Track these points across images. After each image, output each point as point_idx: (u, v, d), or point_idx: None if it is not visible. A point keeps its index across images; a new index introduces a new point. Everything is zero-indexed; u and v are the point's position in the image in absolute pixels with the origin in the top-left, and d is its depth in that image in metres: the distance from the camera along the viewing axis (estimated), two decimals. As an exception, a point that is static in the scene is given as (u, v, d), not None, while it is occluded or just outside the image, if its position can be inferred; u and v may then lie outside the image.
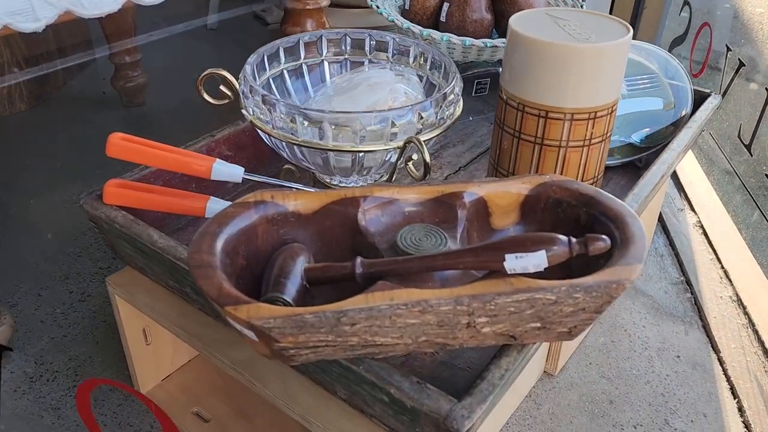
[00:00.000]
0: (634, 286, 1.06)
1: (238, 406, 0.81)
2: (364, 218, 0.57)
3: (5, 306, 0.96)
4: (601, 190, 0.59)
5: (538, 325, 0.50)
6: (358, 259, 0.52)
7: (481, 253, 0.49)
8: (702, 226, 1.18)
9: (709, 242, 1.15)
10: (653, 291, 1.05)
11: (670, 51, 1.41)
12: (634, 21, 1.54)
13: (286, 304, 0.50)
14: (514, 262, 0.49)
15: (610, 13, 1.61)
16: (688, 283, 1.07)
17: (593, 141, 0.73)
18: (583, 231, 0.58)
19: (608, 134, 0.75)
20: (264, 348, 0.49)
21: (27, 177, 1.29)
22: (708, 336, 0.98)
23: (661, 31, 1.51)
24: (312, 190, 0.67)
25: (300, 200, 0.58)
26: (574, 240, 0.49)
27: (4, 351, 0.57)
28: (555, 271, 0.54)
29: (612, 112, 0.73)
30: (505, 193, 0.61)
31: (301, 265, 0.54)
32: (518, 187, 0.61)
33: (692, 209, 1.23)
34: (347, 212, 0.58)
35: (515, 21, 0.72)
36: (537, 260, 0.48)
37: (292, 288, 0.52)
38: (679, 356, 0.94)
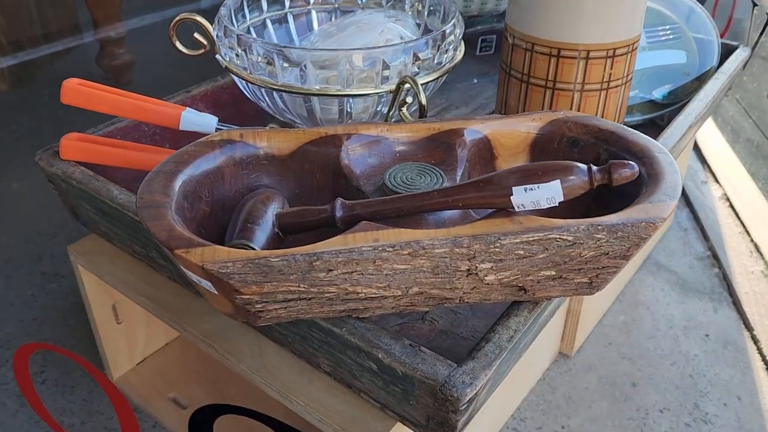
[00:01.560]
0: (656, 261, 0.97)
1: (218, 392, 0.73)
2: (347, 158, 0.49)
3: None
4: (622, 125, 0.51)
5: (553, 273, 0.42)
6: (338, 201, 0.44)
7: (484, 186, 0.41)
8: (728, 199, 1.09)
9: (737, 215, 1.06)
10: (677, 266, 0.96)
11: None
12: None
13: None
14: (523, 196, 0.40)
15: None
16: (716, 257, 0.98)
17: (612, 84, 0.65)
18: (604, 173, 0.49)
19: (629, 77, 0.66)
20: (226, 304, 0.41)
21: (8, 158, 1.22)
22: (739, 313, 0.89)
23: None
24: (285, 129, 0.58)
25: (273, 140, 0.50)
26: (594, 168, 0.41)
27: None
28: (568, 214, 0.46)
29: (633, 50, 0.64)
30: (513, 132, 0.52)
31: (273, 210, 0.46)
32: (527, 125, 0.52)
33: (716, 181, 1.14)
34: (328, 153, 0.49)
35: (522, -50, 0.63)
36: (550, 192, 0.40)
37: (261, 235, 0.44)
38: (707, 335, 0.85)
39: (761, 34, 1.04)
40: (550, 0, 0.60)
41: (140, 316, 0.75)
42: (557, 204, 0.40)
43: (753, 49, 0.94)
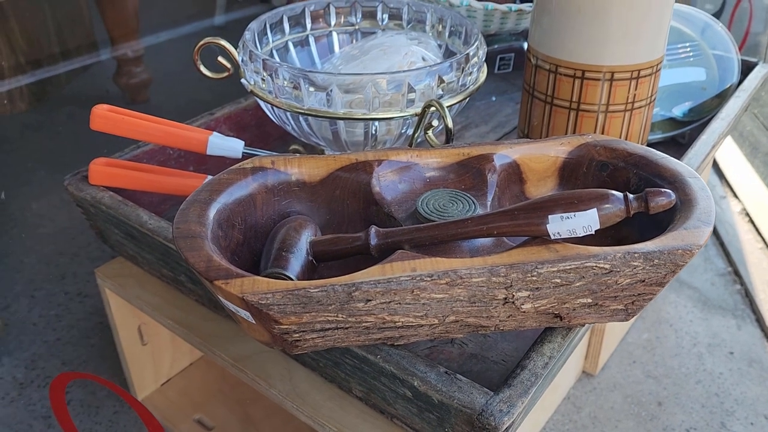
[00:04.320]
0: (678, 277, 0.97)
1: (244, 413, 0.73)
2: (378, 185, 0.49)
3: (-4, 308, 0.90)
4: (652, 149, 0.51)
5: (589, 300, 0.42)
6: (373, 229, 0.44)
7: (520, 214, 0.41)
8: (748, 214, 1.09)
9: (757, 230, 1.05)
10: (699, 283, 0.96)
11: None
12: None
13: (287, 280, 0.42)
14: (559, 225, 0.40)
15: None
16: (737, 274, 0.97)
17: (636, 105, 0.65)
18: (634, 197, 0.49)
19: (653, 97, 0.66)
20: (263, 333, 0.41)
21: (27, 178, 1.23)
22: (763, 330, 0.88)
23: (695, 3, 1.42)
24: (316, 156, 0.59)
25: (305, 167, 0.50)
26: (631, 196, 0.41)
27: None
28: (602, 241, 0.46)
29: (657, 71, 0.64)
30: (542, 156, 0.52)
31: (306, 238, 0.46)
32: (556, 150, 0.53)
33: (735, 196, 1.14)
34: (359, 179, 0.50)
35: (545, -27, 0.64)
36: (587, 221, 0.40)
37: (296, 263, 0.44)
38: (732, 352, 0.85)
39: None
40: (574, 22, 0.61)
41: (165, 337, 0.75)
42: (593, 232, 0.40)
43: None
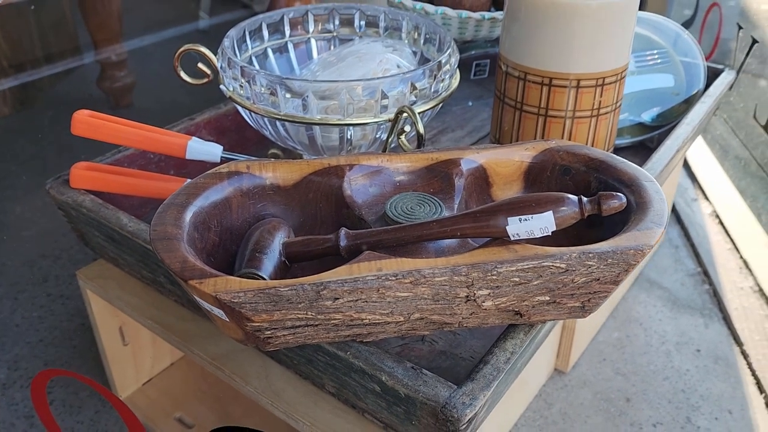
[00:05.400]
0: (649, 278, 1.00)
1: (223, 411, 0.75)
2: (349, 188, 0.51)
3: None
4: (612, 154, 0.53)
5: (547, 298, 0.44)
6: (343, 231, 0.46)
7: (481, 217, 0.43)
8: (717, 216, 1.12)
9: (726, 232, 1.08)
10: (669, 283, 0.99)
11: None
12: (641, 6, 1.49)
13: (260, 280, 0.44)
14: (517, 226, 0.43)
15: None
16: (706, 274, 1.00)
17: (602, 111, 0.67)
18: (594, 199, 0.52)
19: (618, 104, 0.69)
20: (237, 330, 0.43)
21: (11, 181, 1.24)
22: (729, 328, 0.91)
23: (669, 14, 1.46)
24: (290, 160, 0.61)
25: (279, 171, 0.52)
26: (585, 199, 0.43)
27: None
28: (561, 241, 0.48)
29: (621, 78, 0.67)
30: (507, 161, 0.55)
31: (279, 240, 0.48)
32: (521, 154, 0.55)
33: (706, 198, 1.17)
34: (331, 183, 0.52)
35: (514, -17, 0.66)
36: (544, 222, 0.42)
37: (269, 264, 0.46)
38: (699, 350, 0.88)
39: (746, 56, 1.07)
40: (541, 32, 0.63)
41: (146, 337, 0.77)
42: (550, 233, 0.43)
43: (738, 71, 0.97)
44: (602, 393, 0.81)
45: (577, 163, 0.54)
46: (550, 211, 0.42)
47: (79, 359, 0.84)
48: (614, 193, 0.43)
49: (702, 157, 1.25)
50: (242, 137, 0.82)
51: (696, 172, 1.23)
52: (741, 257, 1.03)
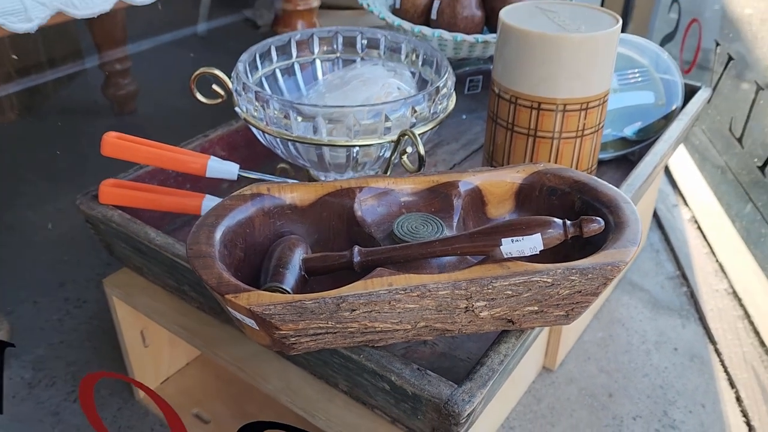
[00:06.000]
0: (631, 281, 1.06)
1: (238, 407, 0.81)
2: (360, 209, 0.57)
3: (1, 313, 0.96)
4: (594, 177, 0.60)
5: (536, 308, 0.51)
6: (356, 248, 0.52)
7: (477, 238, 0.49)
8: (696, 221, 1.19)
9: (704, 236, 1.15)
10: (650, 286, 1.06)
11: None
12: (624, 20, 1.55)
13: (285, 293, 0.50)
14: (510, 246, 0.49)
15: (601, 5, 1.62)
16: (684, 277, 1.07)
17: (586, 132, 0.73)
18: (578, 217, 0.58)
19: (600, 125, 0.75)
20: (264, 337, 0.49)
21: (20, 186, 1.29)
22: (705, 328, 0.98)
23: (652, 30, 1.52)
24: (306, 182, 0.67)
25: (296, 192, 0.58)
26: (568, 222, 0.49)
27: (6, 347, 0.57)
28: (549, 258, 0.54)
29: (603, 102, 0.73)
30: (500, 182, 0.61)
31: (299, 255, 0.54)
32: (512, 176, 0.61)
33: (686, 204, 1.24)
34: (343, 203, 0.58)
35: (506, 13, 0.72)
36: (533, 243, 0.49)
37: (290, 278, 0.52)
38: (676, 349, 0.94)
39: (722, 73, 1.14)
40: (531, 61, 0.69)
41: (164, 339, 0.82)
42: (538, 252, 0.49)
43: (714, 88, 1.04)
44: (587, 389, 0.88)
45: (562, 184, 0.60)
46: (539, 234, 0.48)
47: (100, 359, 0.90)
48: (594, 217, 0.49)
49: (683, 164, 1.32)
50: (252, 152, 0.88)
51: (677, 179, 1.30)
52: (717, 261, 1.10)
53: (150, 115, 1.58)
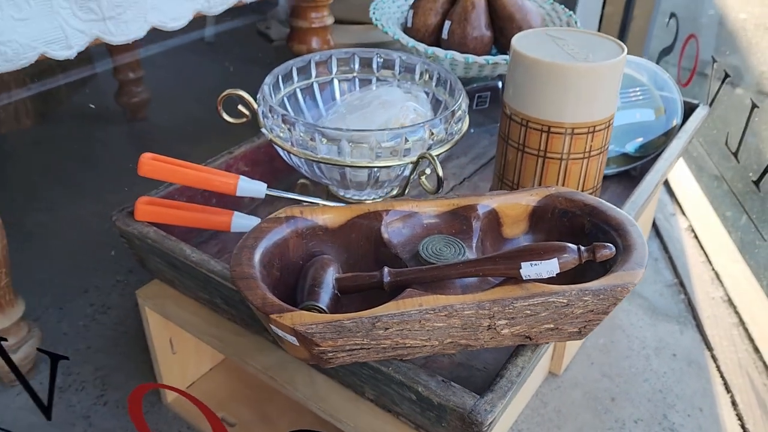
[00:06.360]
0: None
1: (261, 411, 0.86)
2: (386, 231, 0.62)
3: (31, 320, 1.00)
4: (602, 201, 0.64)
5: (552, 326, 0.55)
6: (386, 269, 0.57)
7: (499, 261, 0.54)
8: (693, 230, 1.24)
9: (701, 245, 1.20)
10: (649, 293, 1.10)
11: (658, 60, 1.47)
12: (623, 31, 1.60)
13: (320, 311, 0.55)
14: (529, 269, 0.53)
15: (600, 22, 1.67)
16: (682, 284, 1.12)
17: (592, 153, 0.78)
18: (587, 238, 0.63)
19: (606, 146, 0.80)
20: (303, 352, 0.53)
21: (38, 192, 1.33)
22: (702, 335, 1.03)
23: (649, 42, 1.57)
24: (336, 204, 0.71)
25: (327, 215, 0.62)
26: (583, 248, 0.54)
27: (60, 359, 0.61)
28: (563, 277, 0.59)
29: (609, 125, 0.78)
30: (515, 205, 0.65)
31: (331, 275, 0.58)
32: (527, 199, 0.66)
33: (683, 214, 1.28)
34: (371, 225, 0.62)
35: (517, 41, 0.76)
36: (550, 267, 0.53)
37: (325, 296, 0.56)
38: (675, 354, 0.99)
39: (718, 89, 1.18)
40: (541, 87, 0.74)
41: (191, 346, 0.87)
42: (554, 275, 0.53)
43: (711, 104, 1.09)
44: (590, 393, 0.93)
45: (573, 207, 0.64)
46: (556, 258, 0.53)
47: (127, 364, 0.94)
48: (606, 244, 0.54)
49: (680, 174, 1.36)
50: (273, 167, 0.92)
51: (674, 189, 1.35)
52: (713, 269, 1.15)
53: (160, 120, 1.62)
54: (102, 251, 1.15)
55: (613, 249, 0.54)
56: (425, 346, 0.54)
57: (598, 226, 0.62)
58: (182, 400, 0.87)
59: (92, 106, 1.59)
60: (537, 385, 0.93)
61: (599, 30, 1.63)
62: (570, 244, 0.54)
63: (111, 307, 1.04)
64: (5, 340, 0.61)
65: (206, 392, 0.88)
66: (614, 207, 0.63)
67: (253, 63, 1.83)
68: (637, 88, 1.01)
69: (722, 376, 0.96)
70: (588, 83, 0.72)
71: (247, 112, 0.83)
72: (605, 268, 0.58)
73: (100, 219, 1.23)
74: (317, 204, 0.70)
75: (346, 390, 0.65)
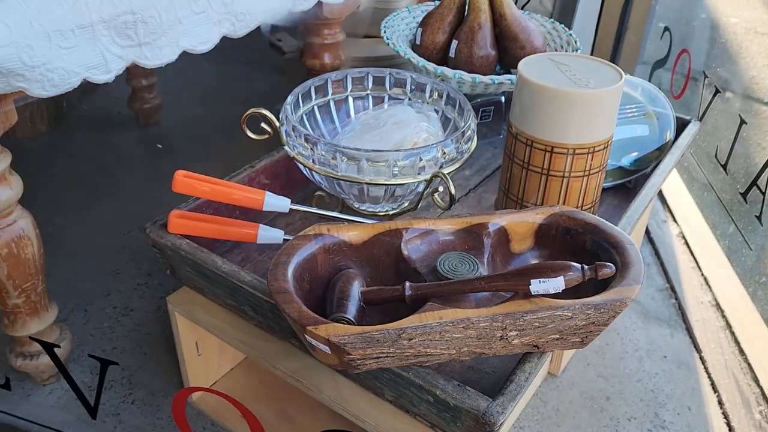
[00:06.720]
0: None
1: (280, 409, 0.91)
2: (406, 247, 0.68)
3: (62, 323, 1.05)
4: (603, 220, 0.70)
5: (557, 336, 0.61)
6: (407, 284, 0.63)
7: (511, 278, 0.60)
8: (684, 237, 1.30)
9: (691, 251, 1.26)
10: (642, 297, 1.17)
11: (652, 72, 1.54)
12: (617, 43, 1.66)
13: (349, 322, 0.61)
14: (537, 286, 0.59)
15: (595, 34, 1.72)
16: (673, 289, 1.18)
17: (592, 171, 0.84)
18: (587, 254, 0.69)
19: (604, 165, 0.86)
20: (334, 359, 0.59)
21: (57, 195, 1.38)
22: (691, 337, 1.09)
23: (642, 53, 1.63)
24: (361, 219, 0.77)
25: (352, 232, 0.68)
26: (586, 267, 0.60)
27: (110, 365, 0.66)
28: (568, 294, 0.65)
29: (607, 146, 0.84)
30: (523, 222, 0.71)
31: (357, 288, 0.64)
32: (533, 217, 0.72)
33: (675, 221, 1.35)
34: (392, 242, 0.68)
35: (524, 67, 0.82)
36: (556, 284, 0.59)
37: (352, 308, 0.62)
38: (666, 356, 1.06)
39: (708, 104, 1.25)
40: (545, 111, 0.79)
41: (214, 348, 0.92)
42: (560, 291, 0.59)
43: (701, 119, 1.15)
44: (587, 392, 0.99)
45: (575, 225, 0.70)
46: (561, 276, 0.59)
47: (152, 364, 0.99)
48: (607, 264, 0.60)
49: (672, 182, 1.43)
50: (291, 179, 0.97)
51: (666, 196, 1.41)
52: (702, 274, 1.21)
53: (172, 125, 1.67)
54: (120, 255, 1.21)
55: (613, 268, 0.60)
56: (443, 354, 0.60)
57: (599, 244, 0.68)
58: (205, 397, 0.93)
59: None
60: (537, 385, 0.99)
61: (595, 40, 1.68)
62: (575, 264, 0.60)
63: (133, 309, 1.09)
64: (58, 346, 0.67)
65: (228, 391, 0.94)
66: (613, 226, 0.69)
67: (264, 71, 1.88)
68: (633, 105, 1.07)
69: (710, 377, 1.02)
70: (589, 108, 0.78)
71: (269, 129, 0.88)
72: (603, 282, 0.64)
73: (117, 222, 1.28)
74: (338, 218, 0.75)
75: (367, 392, 0.71)
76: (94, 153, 1.54)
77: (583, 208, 0.86)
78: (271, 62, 1.88)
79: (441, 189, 0.80)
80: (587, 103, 0.78)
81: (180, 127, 1.67)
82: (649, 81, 1.52)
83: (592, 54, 1.69)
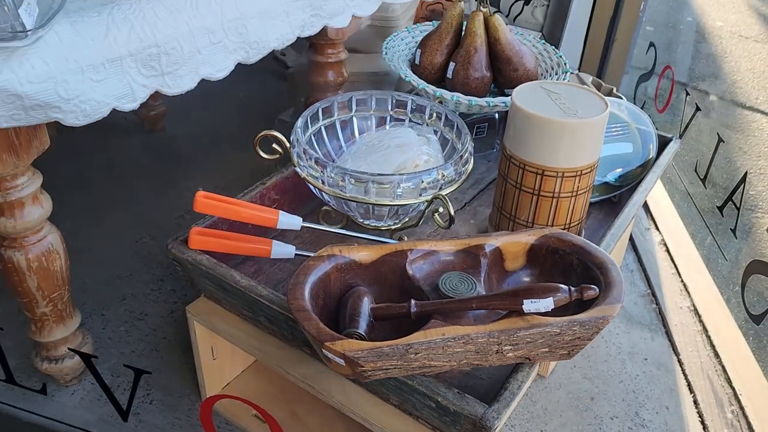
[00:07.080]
0: (609, 298, 1.25)
1: (290, 409, 0.99)
2: (410, 267, 0.75)
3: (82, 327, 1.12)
4: (588, 242, 0.77)
5: (546, 349, 0.69)
6: (413, 301, 0.70)
7: (506, 298, 0.67)
8: (665, 244, 1.38)
9: (672, 259, 1.34)
10: (625, 302, 1.24)
11: (637, 85, 1.61)
12: (605, 57, 1.73)
13: (361, 337, 0.68)
14: (530, 305, 0.67)
15: (584, 46, 1.79)
16: (654, 295, 1.26)
17: (579, 192, 0.91)
18: (575, 273, 0.76)
19: (590, 186, 0.93)
20: (347, 370, 0.66)
21: (66, 201, 1.43)
22: (670, 341, 1.17)
23: (628, 66, 1.70)
24: (366, 236, 0.84)
25: (362, 252, 0.75)
26: (573, 289, 0.67)
27: (143, 374, 0.73)
28: (556, 312, 0.72)
29: (593, 169, 0.91)
30: (516, 243, 0.79)
31: (367, 304, 0.71)
32: (526, 238, 0.79)
33: (657, 229, 1.43)
34: (398, 262, 0.75)
35: (517, 95, 0.89)
36: (546, 304, 0.66)
37: (363, 324, 0.69)
38: (646, 359, 1.14)
39: (689, 121, 1.32)
40: (537, 137, 0.86)
41: (227, 352, 0.99)
42: (550, 310, 0.67)
43: (681, 136, 1.22)
44: (573, 393, 1.07)
45: (564, 247, 0.78)
46: (551, 297, 0.66)
47: (168, 367, 1.06)
48: (592, 286, 0.67)
49: (656, 192, 1.51)
50: (299, 194, 1.04)
51: (650, 204, 1.49)
52: (681, 281, 1.29)
53: (177, 132, 1.72)
54: (132, 260, 1.27)
55: (597, 290, 0.68)
56: (445, 365, 0.67)
57: (584, 264, 0.76)
58: (222, 398, 1.00)
59: (125, 119, 1.65)
60: (527, 387, 1.07)
61: (584, 52, 1.75)
62: (563, 285, 0.67)
63: (147, 314, 1.16)
64: (96, 357, 0.73)
65: (241, 392, 1.01)
66: (598, 248, 0.76)
67: (268, 77, 1.93)
68: (618, 124, 1.14)
69: (686, 378, 1.10)
70: (577, 136, 0.86)
71: (280, 150, 0.94)
72: (588, 300, 0.71)
73: (128, 228, 1.34)
74: (347, 235, 0.82)
75: (374, 397, 0.78)
76: (101, 158, 1.60)
77: (571, 224, 0.93)
78: (274, 68, 1.93)
79: (441, 210, 0.87)
80: (576, 131, 0.85)
81: (184, 134, 1.72)
82: (635, 92, 1.60)
83: (581, 64, 1.76)
